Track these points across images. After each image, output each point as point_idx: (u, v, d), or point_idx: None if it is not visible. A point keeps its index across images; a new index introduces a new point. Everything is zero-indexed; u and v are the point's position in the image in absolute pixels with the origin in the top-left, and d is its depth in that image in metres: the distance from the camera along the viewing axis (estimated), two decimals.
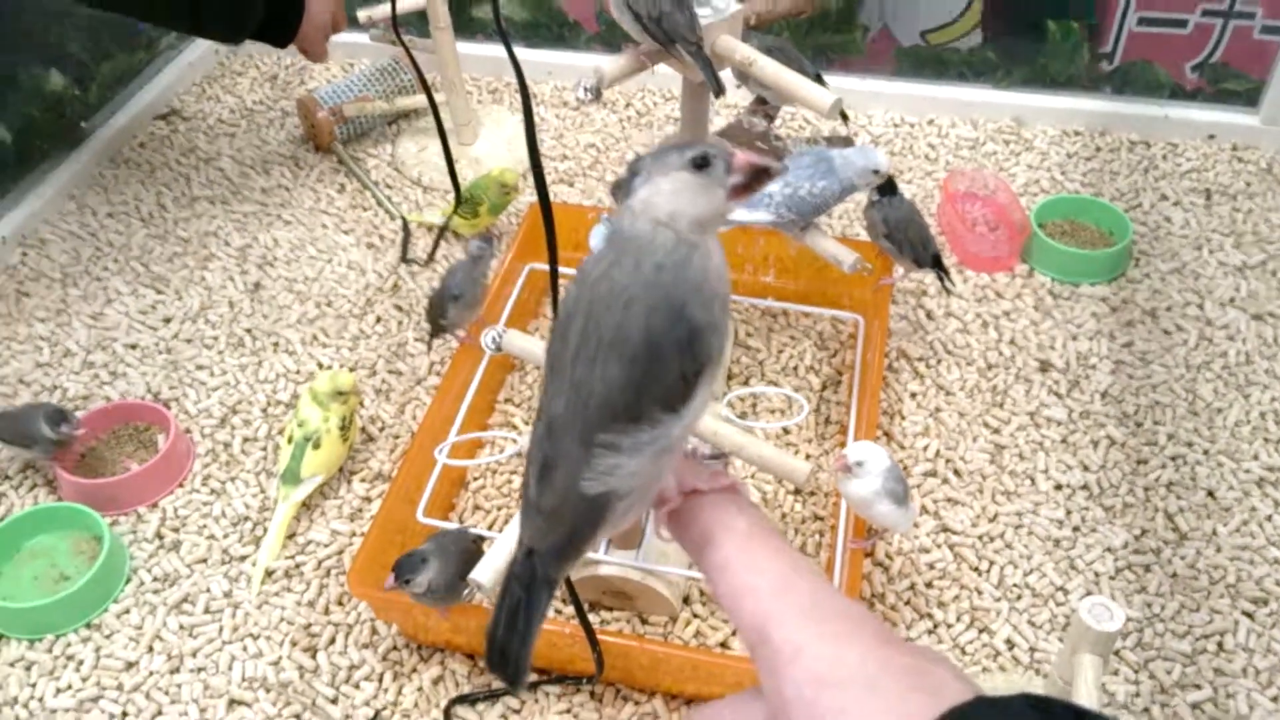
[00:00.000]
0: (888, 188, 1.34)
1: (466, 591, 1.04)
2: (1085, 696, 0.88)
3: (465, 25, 2.02)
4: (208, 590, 1.25)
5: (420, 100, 1.92)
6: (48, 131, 1.84)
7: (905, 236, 1.33)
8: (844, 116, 1.91)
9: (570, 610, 1.20)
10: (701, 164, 0.44)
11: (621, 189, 0.44)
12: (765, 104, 1.57)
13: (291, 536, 1.30)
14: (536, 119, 1.96)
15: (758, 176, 0.45)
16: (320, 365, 1.51)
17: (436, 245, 1.61)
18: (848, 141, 1.80)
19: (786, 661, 0.39)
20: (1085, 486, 1.31)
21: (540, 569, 0.45)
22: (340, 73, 2.12)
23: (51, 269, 1.69)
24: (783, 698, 0.39)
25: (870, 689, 0.37)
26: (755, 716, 0.41)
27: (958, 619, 1.19)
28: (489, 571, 0.97)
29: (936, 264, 1.38)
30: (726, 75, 1.24)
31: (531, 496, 0.46)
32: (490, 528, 1.29)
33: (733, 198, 0.45)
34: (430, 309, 1.35)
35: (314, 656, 1.18)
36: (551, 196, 1.78)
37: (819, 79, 1.27)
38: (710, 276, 0.44)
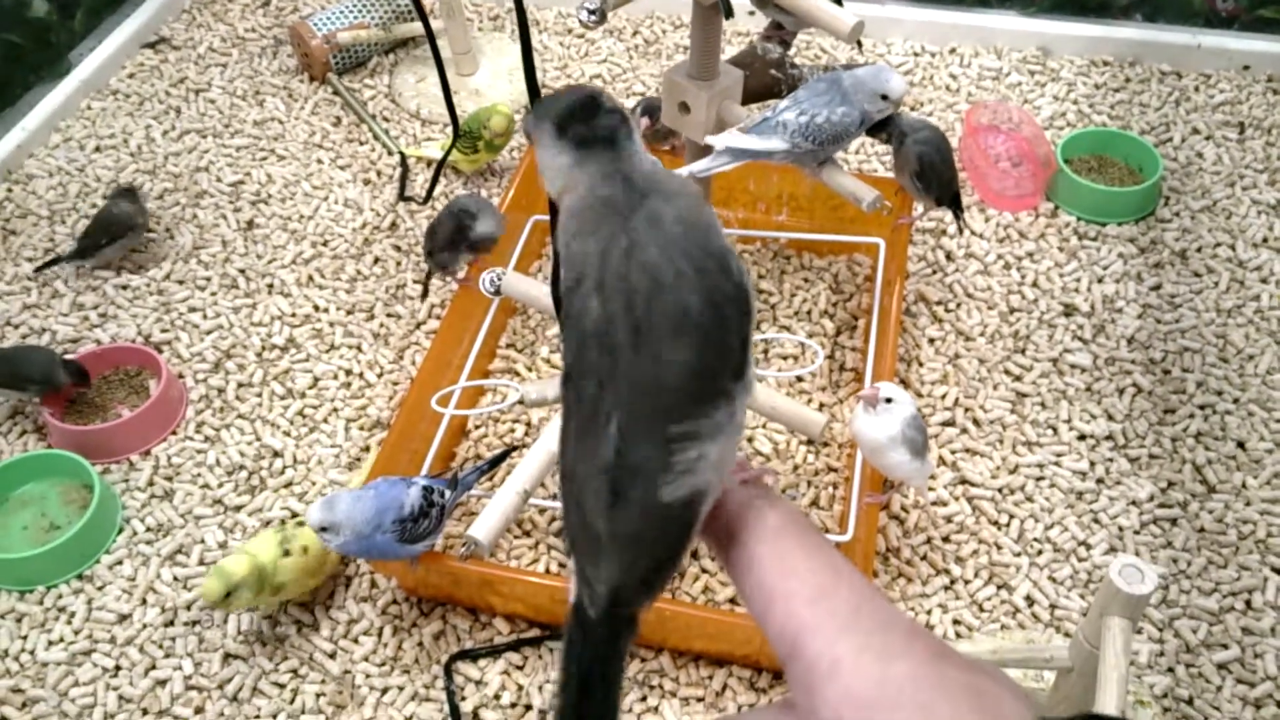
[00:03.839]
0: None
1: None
2: (1113, 662, 0.84)
3: None
4: (202, 541, 1.21)
5: (419, 27, 1.84)
6: (31, 61, 1.76)
7: (935, 173, 1.26)
8: (859, 44, 1.83)
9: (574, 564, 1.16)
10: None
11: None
12: (781, 29, 1.49)
13: (289, 485, 1.26)
14: (539, 46, 1.88)
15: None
16: (316, 307, 1.46)
17: (434, 182, 1.54)
18: None
19: (823, 678, 0.34)
20: (1110, 437, 1.26)
21: (626, 612, 0.38)
22: None
23: (38, 206, 1.63)
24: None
25: (919, 712, 0.32)
26: None
27: (976, 575, 1.15)
28: (486, 529, 0.93)
29: (954, 202, 1.32)
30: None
31: (600, 532, 0.38)
32: (490, 479, 1.25)
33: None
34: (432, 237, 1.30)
35: (311, 611, 1.15)
36: None
37: (839, 1, 1.19)
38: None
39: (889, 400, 1.02)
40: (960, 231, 1.48)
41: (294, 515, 1.23)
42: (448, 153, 1.54)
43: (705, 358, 0.37)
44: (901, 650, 0.34)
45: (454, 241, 1.27)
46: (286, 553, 1.08)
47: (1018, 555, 1.16)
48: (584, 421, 0.39)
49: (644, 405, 0.37)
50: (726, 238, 0.38)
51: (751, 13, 1.25)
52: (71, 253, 1.48)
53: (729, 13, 1.02)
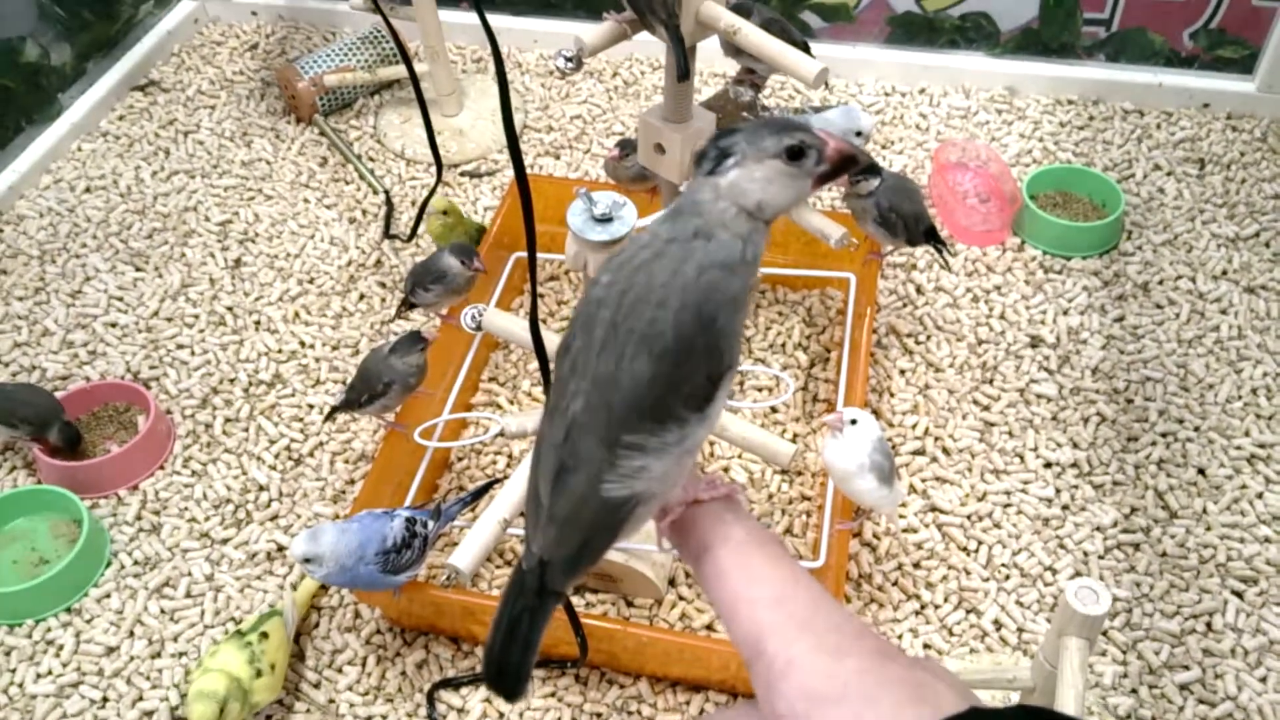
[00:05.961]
0: (868, 170, 1.29)
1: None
2: (1070, 680, 0.87)
3: None
4: (189, 574, 1.24)
5: (404, 70, 1.89)
6: (22, 104, 1.80)
7: (899, 216, 1.30)
8: (827, 85, 1.88)
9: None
10: (796, 154, 0.42)
11: (705, 159, 0.43)
12: (753, 73, 1.54)
13: (275, 518, 1.29)
14: (521, 88, 1.93)
15: (844, 165, 0.44)
16: (302, 343, 1.49)
17: (418, 221, 1.58)
18: None
19: (779, 675, 0.38)
20: (1075, 464, 1.30)
21: (550, 580, 0.43)
22: (322, 41, 2.08)
23: (29, 246, 1.66)
24: (775, 713, 0.37)
25: (865, 704, 0.35)
26: None
27: (945, 599, 1.18)
28: (466, 557, 0.96)
29: (931, 238, 1.34)
30: (714, 44, 1.21)
31: (543, 502, 0.43)
32: (471, 510, 1.28)
33: (815, 187, 0.44)
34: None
35: (297, 641, 1.17)
36: (536, 169, 1.76)
37: (806, 48, 1.24)
38: (748, 280, 0.42)
39: (854, 422, 1.05)
40: (946, 268, 1.52)
41: (280, 548, 1.26)
42: (431, 193, 1.58)
43: (661, 378, 0.41)
44: (851, 649, 0.38)
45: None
46: (259, 672, 1.04)
47: (986, 580, 1.19)
48: (556, 397, 0.43)
49: (600, 400, 0.41)
50: (740, 300, 0.42)
51: (727, 55, 1.30)
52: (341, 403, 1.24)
53: (683, 74, 1.06)
